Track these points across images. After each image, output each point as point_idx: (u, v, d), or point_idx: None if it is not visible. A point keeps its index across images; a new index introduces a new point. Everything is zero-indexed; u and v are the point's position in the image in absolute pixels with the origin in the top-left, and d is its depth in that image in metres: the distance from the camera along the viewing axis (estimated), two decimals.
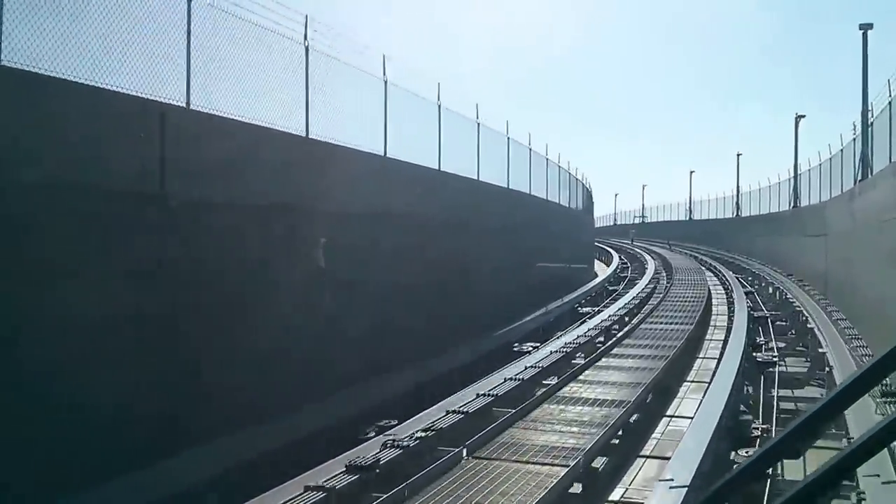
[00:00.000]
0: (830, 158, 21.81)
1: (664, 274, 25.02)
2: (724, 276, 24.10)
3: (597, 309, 17.44)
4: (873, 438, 0.80)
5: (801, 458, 1.06)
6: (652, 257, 32.95)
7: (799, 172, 28.55)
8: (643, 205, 71.54)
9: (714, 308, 16.10)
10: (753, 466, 0.90)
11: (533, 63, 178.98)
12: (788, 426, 0.88)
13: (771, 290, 21.83)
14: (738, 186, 42.90)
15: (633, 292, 19.12)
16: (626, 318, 14.34)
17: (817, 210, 21.81)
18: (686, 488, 4.80)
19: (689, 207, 56.20)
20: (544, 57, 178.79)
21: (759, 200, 37.03)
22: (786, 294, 19.98)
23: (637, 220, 68.77)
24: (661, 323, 13.33)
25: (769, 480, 6.09)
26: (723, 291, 19.28)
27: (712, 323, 14.36)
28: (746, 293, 18.87)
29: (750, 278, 25.05)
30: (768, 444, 0.89)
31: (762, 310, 17.35)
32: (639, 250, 39.25)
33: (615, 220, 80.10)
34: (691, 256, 34.93)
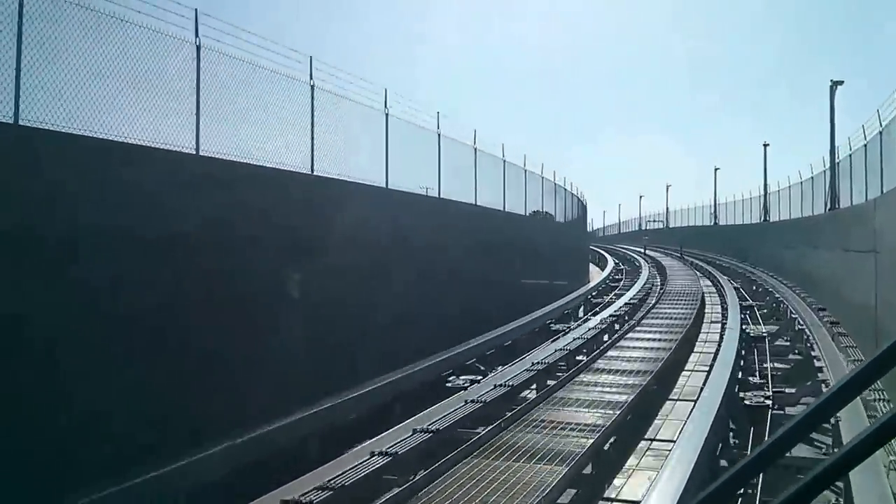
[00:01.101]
0: (881, 132, 15.79)
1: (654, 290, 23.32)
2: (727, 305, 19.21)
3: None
4: (865, 441, 0.84)
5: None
6: (650, 271, 31.82)
7: (837, 160, 22.36)
8: (667, 207, 70.26)
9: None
10: (747, 468, 0.93)
11: (535, 64, 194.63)
12: (780, 429, 0.91)
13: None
14: (765, 184, 37.05)
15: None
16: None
17: (862, 213, 15.13)
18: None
19: (714, 211, 51.25)
20: (545, 58, 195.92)
21: (789, 200, 31.42)
22: (812, 353, 13.09)
23: (656, 226, 69.34)
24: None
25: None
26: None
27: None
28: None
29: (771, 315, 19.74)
30: (761, 447, 0.92)
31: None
32: (642, 260, 39.54)
33: (640, 224, 78.47)
34: (695, 269, 33.06)
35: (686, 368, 11.37)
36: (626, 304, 17.93)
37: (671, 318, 14.98)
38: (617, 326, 14.58)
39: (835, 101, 24.04)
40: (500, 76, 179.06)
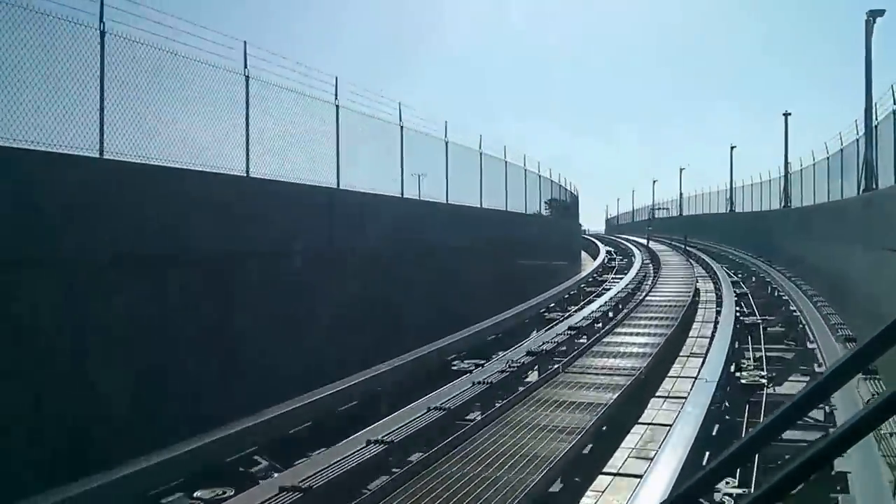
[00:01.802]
0: None
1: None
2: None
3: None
4: (857, 424, 0.88)
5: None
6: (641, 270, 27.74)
7: (875, 121, 17.92)
8: (680, 193, 66.68)
9: None
10: (742, 450, 0.98)
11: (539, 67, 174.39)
12: (774, 413, 0.96)
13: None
14: (785, 161, 31.96)
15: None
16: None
17: None
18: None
19: (730, 196, 46.69)
20: (546, 60, 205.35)
21: (813, 180, 27.02)
22: None
23: (664, 214, 68.82)
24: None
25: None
26: None
27: None
28: None
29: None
30: (754, 431, 0.97)
31: None
32: (638, 255, 35.34)
33: (652, 213, 75.11)
34: (696, 270, 27.66)
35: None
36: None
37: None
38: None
39: (871, 42, 19.39)
40: (513, 69, 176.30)
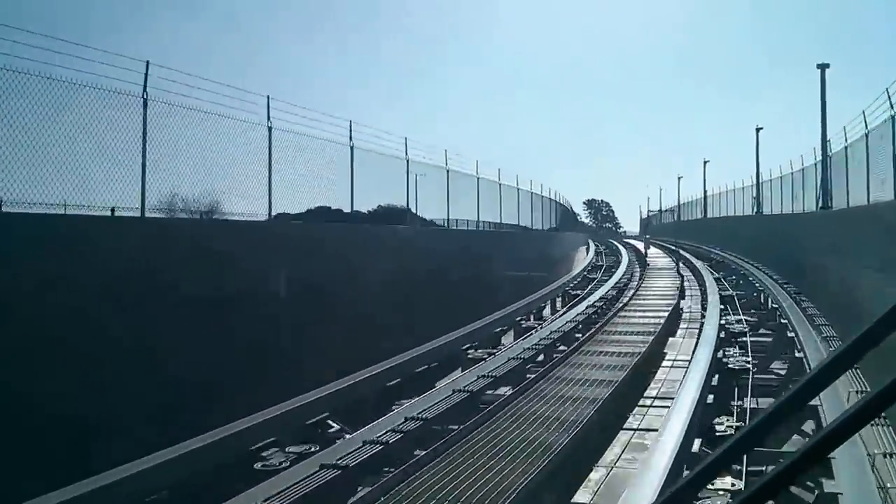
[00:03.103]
0: None
1: None
2: None
3: None
4: (845, 423, 0.92)
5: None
6: None
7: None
8: (704, 191, 62.25)
9: None
10: (728, 453, 1.02)
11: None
12: (761, 414, 1.01)
13: None
14: (823, 143, 26.66)
15: None
16: None
17: None
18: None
19: (757, 194, 41.10)
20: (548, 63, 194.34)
21: (862, 168, 20.21)
22: None
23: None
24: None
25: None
26: None
27: None
28: None
29: None
30: (741, 433, 1.02)
31: None
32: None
33: (678, 214, 74.67)
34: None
35: None
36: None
37: None
38: None
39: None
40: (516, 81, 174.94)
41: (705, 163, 59.56)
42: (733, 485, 6.51)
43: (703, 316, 16.74)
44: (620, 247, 48.05)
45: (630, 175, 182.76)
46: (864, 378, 9.37)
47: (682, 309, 18.27)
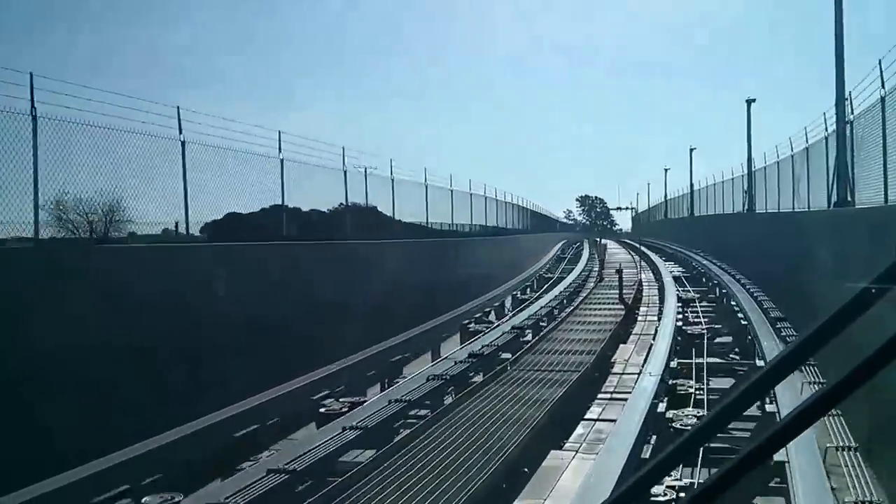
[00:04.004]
0: None
1: None
2: None
3: None
4: (798, 417, 0.96)
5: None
6: None
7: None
8: (691, 184, 54.53)
9: None
10: (684, 446, 1.06)
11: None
12: (715, 408, 1.07)
13: None
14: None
15: None
16: None
17: None
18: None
19: (748, 186, 33.81)
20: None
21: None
22: None
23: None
24: None
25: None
26: None
27: None
28: None
29: None
30: (696, 427, 1.07)
31: None
32: None
33: (664, 211, 67.77)
34: None
35: None
36: None
37: None
38: None
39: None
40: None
41: (691, 151, 53.11)
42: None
43: None
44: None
45: (625, 168, 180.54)
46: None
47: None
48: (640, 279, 26.44)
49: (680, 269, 33.41)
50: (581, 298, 22.63)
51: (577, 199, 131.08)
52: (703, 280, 28.20)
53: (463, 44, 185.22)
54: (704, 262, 33.26)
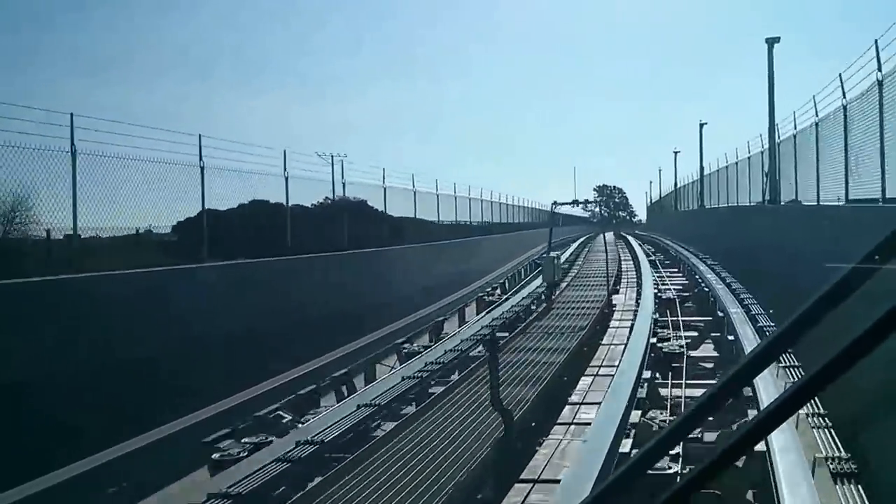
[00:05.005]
0: None
1: None
2: None
3: None
4: (778, 408, 1.00)
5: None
6: None
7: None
8: (701, 166, 46.09)
9: None
10: (666, 439, 1.10)
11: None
12: (696, 402, 1.10)
13: None
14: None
15: None
16: None
17: None
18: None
19: (772, 169, 25.14)
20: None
21: None
22: None
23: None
24: None
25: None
26: None
27: None
28: None
29: None
30: (675, 423, 1.10)
31: None
32: None
33: (674, 201, 58.52)
34: None
35: None
36: None
37: None
38: None
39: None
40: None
41: (701, 126, 46.33)
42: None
43: None
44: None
45: (642, 157, 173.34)
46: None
47: None
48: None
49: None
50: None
51: (594, 189, 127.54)
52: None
53: (468, 26, 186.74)
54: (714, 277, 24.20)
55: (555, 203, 25.38)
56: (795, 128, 22.34)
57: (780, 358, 10.03)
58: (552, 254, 23.37)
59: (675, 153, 58.86)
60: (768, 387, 8.70)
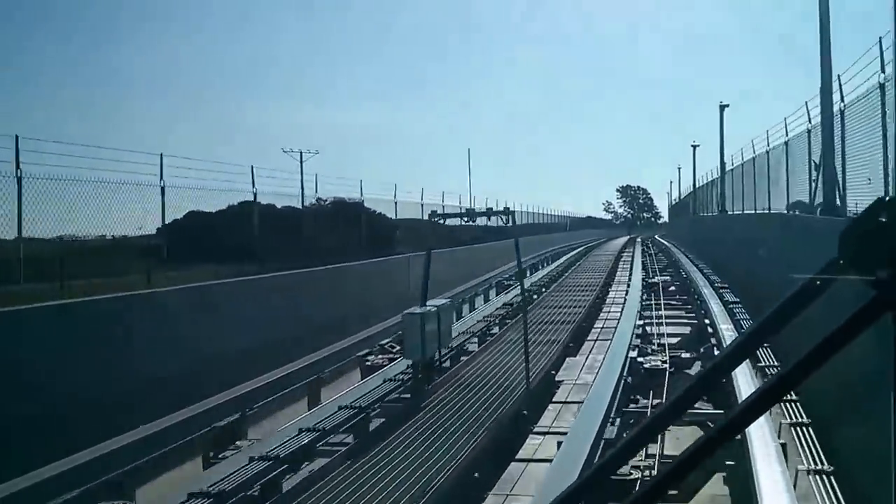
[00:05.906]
0: None
1: None
2: None
3: None
4: (755, 402, 1.04)
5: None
6: None
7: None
8: (721, 163, 38.79)
9: None
10: (647, 430, 1.16)
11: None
12: (676, 394, 1.15)
13: None
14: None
15: None
16: None
17: None
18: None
19: (817, 165, 16.39)
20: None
21: None
22: None
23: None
24: None
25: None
26: None
27: None
28: None
29: None
30: (658, 412, 1.17)
31: None
32: None
33: (692, 205, 52.52)
34: None
35: None
36: None
37: None
38: None
39: None
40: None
41: (722, 109, 39.47)
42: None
43: None
44: None
45: (665, 154, 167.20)
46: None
47: None
48: None
49: None
50: None
51: (617, 190, 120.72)
52: None
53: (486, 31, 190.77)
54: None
55: (433, 213, 16.03)
56: (843, 103, 15.48)
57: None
58: (437, 301, 15.19)
59: (694, 147, 53.88)
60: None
